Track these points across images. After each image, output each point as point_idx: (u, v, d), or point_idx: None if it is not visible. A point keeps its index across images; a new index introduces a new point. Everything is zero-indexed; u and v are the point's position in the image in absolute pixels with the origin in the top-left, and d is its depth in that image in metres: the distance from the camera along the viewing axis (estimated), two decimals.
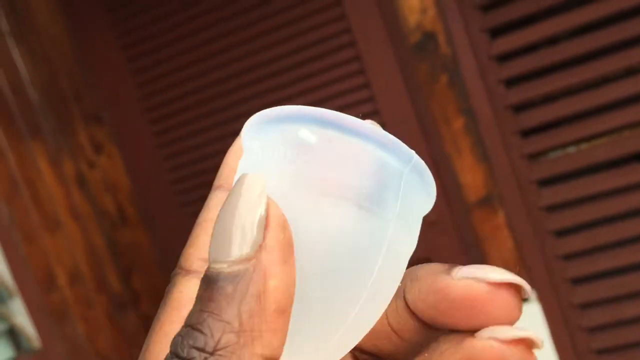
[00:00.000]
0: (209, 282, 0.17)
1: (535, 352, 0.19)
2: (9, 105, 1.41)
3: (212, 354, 0.16)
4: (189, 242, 0.22)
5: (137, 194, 1.57)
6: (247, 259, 0.17)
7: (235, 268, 0.17)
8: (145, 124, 1.53)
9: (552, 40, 1.26)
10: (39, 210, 1.38)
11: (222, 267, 0.17)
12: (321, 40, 1.38)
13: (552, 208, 1.30)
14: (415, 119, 1.35)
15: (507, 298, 0.19)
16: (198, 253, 0.22)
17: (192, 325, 0.17)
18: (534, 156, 1.30)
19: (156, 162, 1.53)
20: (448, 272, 0.20)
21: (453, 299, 0.20)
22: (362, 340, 0.21)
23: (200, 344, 0.17)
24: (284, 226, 0.18)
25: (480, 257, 1.35)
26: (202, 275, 0.19)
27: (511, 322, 0.19)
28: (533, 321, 1.33)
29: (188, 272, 0.21)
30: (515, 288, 0.19)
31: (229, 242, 0.17)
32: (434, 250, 1.38)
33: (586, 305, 1.32)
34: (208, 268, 0.18)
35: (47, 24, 1.50)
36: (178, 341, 0.17)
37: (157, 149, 1.53)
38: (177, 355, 0.17)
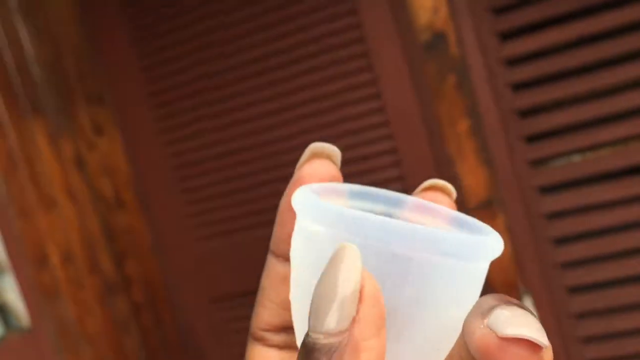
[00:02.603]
0: (307, 352, 0.19)
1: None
2: (12, 82, 1.39)
3: None
4: (255, 308, 0.26)
5: (136, 179, 1.56)
6: (341, 332, 0.18)
7: (330, 340, 0.18)
8: (148, 108, 1.52)
9: (563, 47, 1.26)
10: (36, 188, 1.36)
11: (319, 338, 0.18)
12: (330, 33, 1.37)
13: (553, 216, 1.29)
14: (420, 119, 1.34)
15: (517, 353, 0.18)
16: (257, 322, 0.25)
17: None
18: (538, 162, 1.29)
19: (157, 147, 1.52)
20: (484, 314, 0.19)
21: (472, 346, 0.19)
22: None
23: None
24: (378, 299, 0.19)
25: None
26: (265, 344, 0.25)
27: None
28: None
29: (255, 339, 0.26)
30: (529, 343, 0.18)
31: (325, 314, 0.18)
32: None
33: (582, 315, 1.31)
34: (307, 335, 0.19)
35: (55, 2, 1.49)
36: None
37: (159, 134, 1.52)
38: None
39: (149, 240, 1.57)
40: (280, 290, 0.26)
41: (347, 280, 0.18)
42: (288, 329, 0.25)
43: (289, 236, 0.24)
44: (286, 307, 0.24)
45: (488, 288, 1.17)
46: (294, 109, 1.42)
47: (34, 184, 1.36)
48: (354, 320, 0.18)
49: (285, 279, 0.26)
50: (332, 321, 0.18)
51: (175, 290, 1.59)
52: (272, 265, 0.27)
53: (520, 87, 1.28)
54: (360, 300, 0.18)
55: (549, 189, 1.30)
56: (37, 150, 1.39)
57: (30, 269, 1.30)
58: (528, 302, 1.33)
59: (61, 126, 1.45)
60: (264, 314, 0.26)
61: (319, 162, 0.25)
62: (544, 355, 0.18)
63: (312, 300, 0.19)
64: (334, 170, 0.25)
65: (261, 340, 0.25)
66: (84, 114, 1.51)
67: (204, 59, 1.46)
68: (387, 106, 1.36)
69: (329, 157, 0.25)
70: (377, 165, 1.38)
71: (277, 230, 0.27)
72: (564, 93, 1.25)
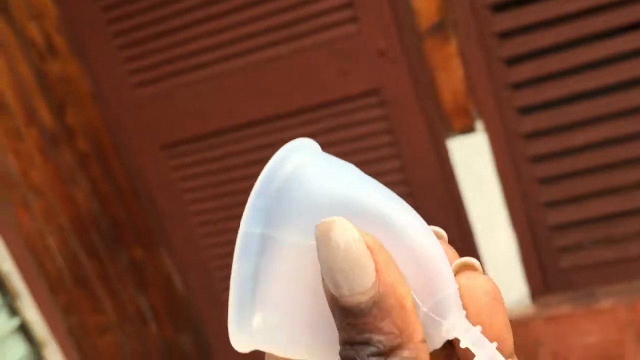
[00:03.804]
0: (356, 313, 0.21)
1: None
2: None
3: (389, 355, 0.21)
4: None
5: (66, 21, 1.45)
6: (374, 285, 0.21)
7: (370, 295, 0.21)
8: None
9: None
10: None
11: (360, 298, 0.21)
12: None
13: (505, 34, 1.27)
14: None
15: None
16: None
17: (359, 342, 0.21)
18: None
19: None
20: None
21: None
22: None
23: (377, 353, 0.21)
24: (380, 244, 0.22)
25: (430, 87, 1.32)
26: None
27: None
28: (479, 151, 1.34)
29: None
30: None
31: (356, 277, 0.21)
32: (384, 80, 1.34)
33: (532, 135, 1.32)
34: (342, 301, 0.21)
35: None
36: (351, 355, 0.21)
37: None
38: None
39: (87, 88, 1.50)
40: None
41: (357, 244, 0.21)
42: None
43: None
44: None
45: (442, 114, 1.12)
46: None
47: None
48: (377, 270, 0.21)
49: None
50: (364, 280, 0.21)
51: (123, 138, 1.54)
52: None
53: None
54: (372, 252, 0.21)
55: (501, 7, 1.26)
56: None
57: None
58: (480, 125, 1.33)
59: None
60: None
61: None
62: None
63: (335, 270, 0.21)
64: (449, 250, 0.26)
65: None
66: None
67: None
68: None
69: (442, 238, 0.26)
70: (329, 6, 1.31)
71: None
72: None
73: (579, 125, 1.29)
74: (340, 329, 0.22)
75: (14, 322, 1.28)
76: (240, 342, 0.25)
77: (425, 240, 0.23)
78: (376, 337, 0.21)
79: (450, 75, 1.30)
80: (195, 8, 1.37)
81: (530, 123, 1.31)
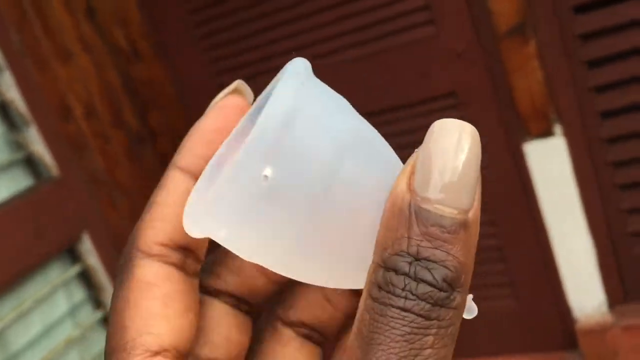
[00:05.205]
0: (444, 224, 0.18)
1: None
2: None
3: (457, 290, 0.19)
4: (144, 222, 0.24)
5: (150, 26, 1.51)
6: (471, 209, 0.19)
7: (465, 217, 0.19)
8: None
9: None
10: (50, 40, 1.32)
11: (453, 213, 0.19)
12: None
13: (588, 36, 1.24)
14: None
15: None
16: (156, 236, 0.23)
17: (431, 258, 0.18)
18: None
19: None
20: None
21: None
22: (301, 310, 0.25)
23: (450, 279, 0.18)
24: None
25: (507, 89, 1.31)
26: (163, 260, 0.22)
27: None
28: (557, 155, 1.32)
29: (148, 255, 0.23)
30: None
31: (462, 191, 0.19)
32: (460, 83, 1.33)
33: (613, 139, 1.29)
34: (433, 206, 0.18)
35: None
36: (420, 272, 0.18)
37: None
38: (427, 283, 0.18)
39: (172, 91, 1.55)
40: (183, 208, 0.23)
41: (476, 163, 0.19)
42: (184, 250, 0.23)
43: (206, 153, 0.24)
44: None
45: (519, 117, 1.10)
46: None
47: (47, 35, 1.32)
48: (476, 199, 0.19)
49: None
50: (469, 199, 0.19)
51: None
52: (179, 181, 0.24)
53: None
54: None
55: (584, 8, 1.24)
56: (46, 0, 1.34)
57: (54, 121, 1.29)
58: (558, 129, 1.31)
59: None
60: (165, 228, 0.23)
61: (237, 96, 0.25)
62: None
63: (434, 170, 0.19)
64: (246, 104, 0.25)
65: (158, 256, 0.23)
66: None
67: None
68: None
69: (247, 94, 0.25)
70: (406, 8, 1.32)
71: (194, 146, 0.25)
72: None
73: None
74: (407, 236, 0.18)
75: (98, 315, 1.34)
76: (198, 225, 0.21)
77: None
78: (452, 261, 0.18)
79: (529, 78, 1.29)
80: (279, 10, 1.39)
81: (612, 127, 1.28)
